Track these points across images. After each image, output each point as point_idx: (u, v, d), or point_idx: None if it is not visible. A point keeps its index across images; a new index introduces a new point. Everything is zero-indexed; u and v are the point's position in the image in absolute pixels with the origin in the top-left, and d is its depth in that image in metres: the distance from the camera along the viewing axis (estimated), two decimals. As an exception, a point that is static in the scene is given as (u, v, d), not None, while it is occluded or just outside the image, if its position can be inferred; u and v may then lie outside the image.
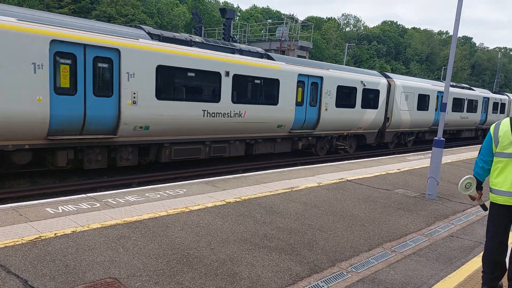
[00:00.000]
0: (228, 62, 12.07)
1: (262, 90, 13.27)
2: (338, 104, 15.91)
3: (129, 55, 9.88)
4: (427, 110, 20.98)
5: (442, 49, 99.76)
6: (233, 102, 12.36)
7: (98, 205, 6.47)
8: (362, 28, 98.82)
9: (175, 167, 13.14)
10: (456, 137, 25.97)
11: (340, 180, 9.78)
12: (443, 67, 77.17)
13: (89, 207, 6.33)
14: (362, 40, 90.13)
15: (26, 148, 8.93)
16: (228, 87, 12.10)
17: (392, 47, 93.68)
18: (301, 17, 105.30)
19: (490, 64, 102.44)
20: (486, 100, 27.73)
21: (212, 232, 5.68)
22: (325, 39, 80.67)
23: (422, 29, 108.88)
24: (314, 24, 58.67)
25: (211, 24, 58.25)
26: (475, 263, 5.29)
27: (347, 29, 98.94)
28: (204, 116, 11.61)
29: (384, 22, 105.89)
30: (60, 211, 6.04)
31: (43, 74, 8.63)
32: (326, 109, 15.37)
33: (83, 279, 4.11)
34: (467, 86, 27.51)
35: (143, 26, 11.49)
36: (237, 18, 70.32)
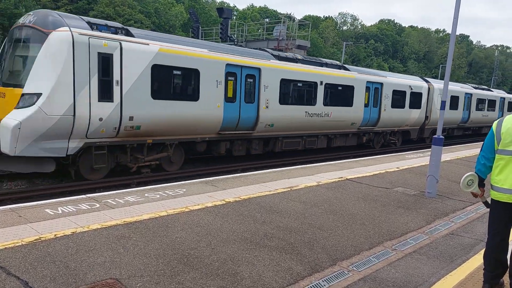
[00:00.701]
0: (321, 74, 15.62)
1: (342, 95, 16.66)
2: (393, 105, 19.34)
3: (265, 72, 13.53)
4: (457, 109, 24.43)
5: (439, 47, 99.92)
6: (324, 105, 15.81)
7: (98, 205, 6.45)
8: (360, 27, 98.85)
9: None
10: (477, 133, 29.19)
11: (340, 179, 9.78)
12: (441, 65, 77.31)
13: (89, 207, 6.31)
14: (359, 38, 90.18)
15: (206, 140, 12.53)
16: (321, 93, 15.64)
17: (390, 46, 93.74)
18: (298, 16, 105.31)
19: (487, 62, 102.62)
20: (502, 99, 31.02)
21: (213, 232, 5.67)
22: (322, 38, 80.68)
23: (419, 27, 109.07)
24: (312, 23, 58.68)
25: (208, 23, 58.17)
26: (476, 261, 5.30)
27: (345, 27, 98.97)
28: (305, 116, 15.16)
29: (381, 21, 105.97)
30: (60, 212, 6.02)
31: (221, 88, 12.27)
32: (384, 110, 18.83)
33: (84, 280, 4.09)
34: (486, 87, 30.83)
35: (266, 49, 15.74)
36: (234, 17, 70.24)
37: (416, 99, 20.71)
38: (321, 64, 16.27)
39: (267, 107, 13.59)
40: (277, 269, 4.71)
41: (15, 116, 8.84)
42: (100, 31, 9.95)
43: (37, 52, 9.08)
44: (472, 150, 17.81)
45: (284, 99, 14.26)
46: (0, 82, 9.77)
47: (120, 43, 9.95)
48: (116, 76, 9.90)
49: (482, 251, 4.52)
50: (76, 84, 9.25)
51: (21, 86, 9.10)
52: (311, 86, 15.26)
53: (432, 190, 8.73)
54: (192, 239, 5.35)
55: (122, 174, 11.41)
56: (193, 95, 11.68)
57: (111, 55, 9.77)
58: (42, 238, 5.00)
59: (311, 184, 9.01)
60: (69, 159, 9.92)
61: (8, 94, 9.33)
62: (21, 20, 10.02)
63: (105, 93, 9.76)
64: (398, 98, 19.55)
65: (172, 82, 11.29)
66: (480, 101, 27.16)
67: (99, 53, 9.55)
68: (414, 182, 10.06)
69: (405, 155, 14.97)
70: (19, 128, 8.72)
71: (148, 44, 10.55)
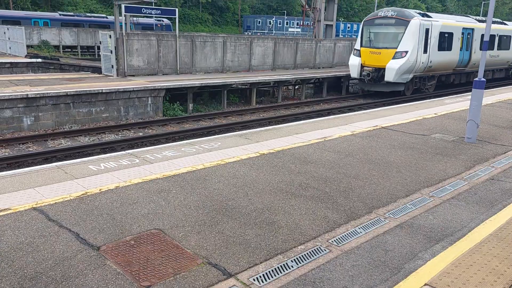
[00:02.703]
0: (497, 29, 23.94)
1: (505, 42, 25.02)
2: None
3: (476, 31, 21.88)
4: None
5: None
6: (497, 49, 24.22)
7: (138, 161, 6.68)
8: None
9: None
10: None
11: (374, 128, 9.61)
12: (483, 2, 71.92)
13: (129, 163, 6.56)
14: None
15: (447, 73, 21.37)
16: (497, 41, 23.96)
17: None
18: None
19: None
20: None
21: (248, 183, 5.79)
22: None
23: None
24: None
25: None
26: (518, 206, 5.18)
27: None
28: (489, 57, 22.56)
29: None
30: (102, 168, 6.29)
31: (459, 42, 20.77)
32: None
33: (130, 231, 4.34)
34: None
35: (470, 16, 24.34)
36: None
37: None
38: (495, 22, 24.23)
39: (475, 52, 21.99)
40: (313, 217, 4.80)
41: (395, 63, 18.28)
42: (422, 17, 18.83)
43: (403, 30, 18.29)
44: (516, 92, 16.89)
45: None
46: (372, 46, 19.23)
47: (431, 22, 18.94)
48: (428, 39, 18.78)
49: (525, 196, 4.40)
50: (418, 45, 18.31)
51: (394, 48, 18.44)
52: (493, 37, 23.44)
53: (472, 135, 8.45)
54: (229, 191, 5.50)
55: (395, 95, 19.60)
56: (450, 47, 20.33)
57: (429, 28, 18.73)
58: (88, 193, 5.28)
59: (345, 134, 8.92)
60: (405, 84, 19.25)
61: (383, 52, 18.74)
62: (381, 14, 19.23)
63: (425, 49, 18.80)
64: None
65: (444, 41, 19.86)
66: None
67: (426, 28, 18.55)
68: (453, 128, 9.75)
69: (443, 100, 14.42)
70: (399, 68, 18.16)
71: (438, 21, 19.49)
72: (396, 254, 4.03)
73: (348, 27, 64.02)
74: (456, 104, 13.53)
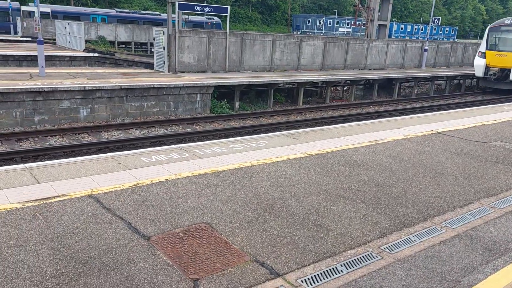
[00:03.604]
0: None
1: None
2: None
3: None
4: None
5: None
6: None
7: (187, 155, 6.77)
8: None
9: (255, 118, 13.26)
10: None
11: (430, 132, 9.19)
12: (551, 4, 67.24)
13: (179, 157, 6.66)
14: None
15: None
16: None
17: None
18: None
19: None
20: None
21: (296, 183, 5.70)
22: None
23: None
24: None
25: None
26: None
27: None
28: None
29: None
30: (154, 160, 6.43)
31: None
32: None
33: (179, 223, 4.39)
34: None
35: None
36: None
37: None
38: None
39: None
40: (364, 222, 4.64)
41: None
42: None
43: None
44: None
45: None
46: (498, 50, 21.55)
47: None
48: None
49: None
50: None
51: None
52: None
53: (537, 145, 7.89)
54: (276, 190, 5.44)
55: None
56: None
57: None
58: (140, 184, 5.41)
59: (397, 138, 8.59)
60: None
61: (509, 55, 21.04)
62: (507, 22, 21.42)
63: None
64: None
65: None
66: None
67: None
68: (516, 136, 9.13)
69: (504, 107, 13.57)
70: None
71: None
72: (454, 266, 3.80)
73: (402, 28, 62.01)
74: (518, 111, 12.70)
